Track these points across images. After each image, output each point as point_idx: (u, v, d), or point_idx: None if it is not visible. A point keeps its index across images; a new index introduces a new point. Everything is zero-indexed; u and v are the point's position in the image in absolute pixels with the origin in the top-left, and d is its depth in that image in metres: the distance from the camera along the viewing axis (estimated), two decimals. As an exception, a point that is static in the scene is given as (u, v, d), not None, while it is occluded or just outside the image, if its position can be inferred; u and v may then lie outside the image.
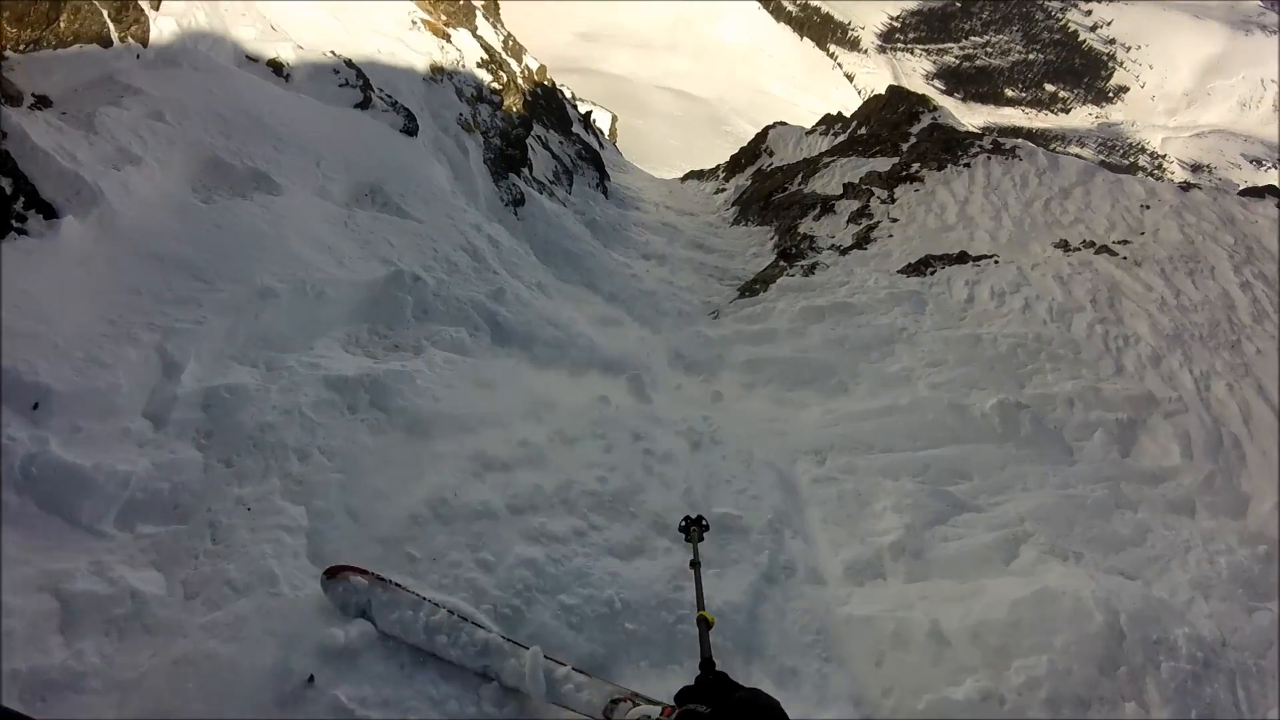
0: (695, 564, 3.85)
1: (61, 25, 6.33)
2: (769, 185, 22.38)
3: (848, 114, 31.72)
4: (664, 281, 12.56)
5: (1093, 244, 12.27)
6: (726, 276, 13.96)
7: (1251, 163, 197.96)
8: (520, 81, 19.81)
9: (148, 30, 7.15)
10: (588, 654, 3.94)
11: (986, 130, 26.07)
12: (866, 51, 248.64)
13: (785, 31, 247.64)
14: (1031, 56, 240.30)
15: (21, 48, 6.06)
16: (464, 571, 4.16)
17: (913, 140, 22.10)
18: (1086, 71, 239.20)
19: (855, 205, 15.95)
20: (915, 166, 17.53)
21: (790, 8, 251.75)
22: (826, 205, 16.58)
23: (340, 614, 3.66)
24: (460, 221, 8.82)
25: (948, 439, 7.26)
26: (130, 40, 7.01)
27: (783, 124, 33.76)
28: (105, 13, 6.79)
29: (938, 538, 5.81)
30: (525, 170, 13.52)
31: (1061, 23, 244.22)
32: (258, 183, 6.80)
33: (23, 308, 4.49)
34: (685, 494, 5.52)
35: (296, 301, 5.87)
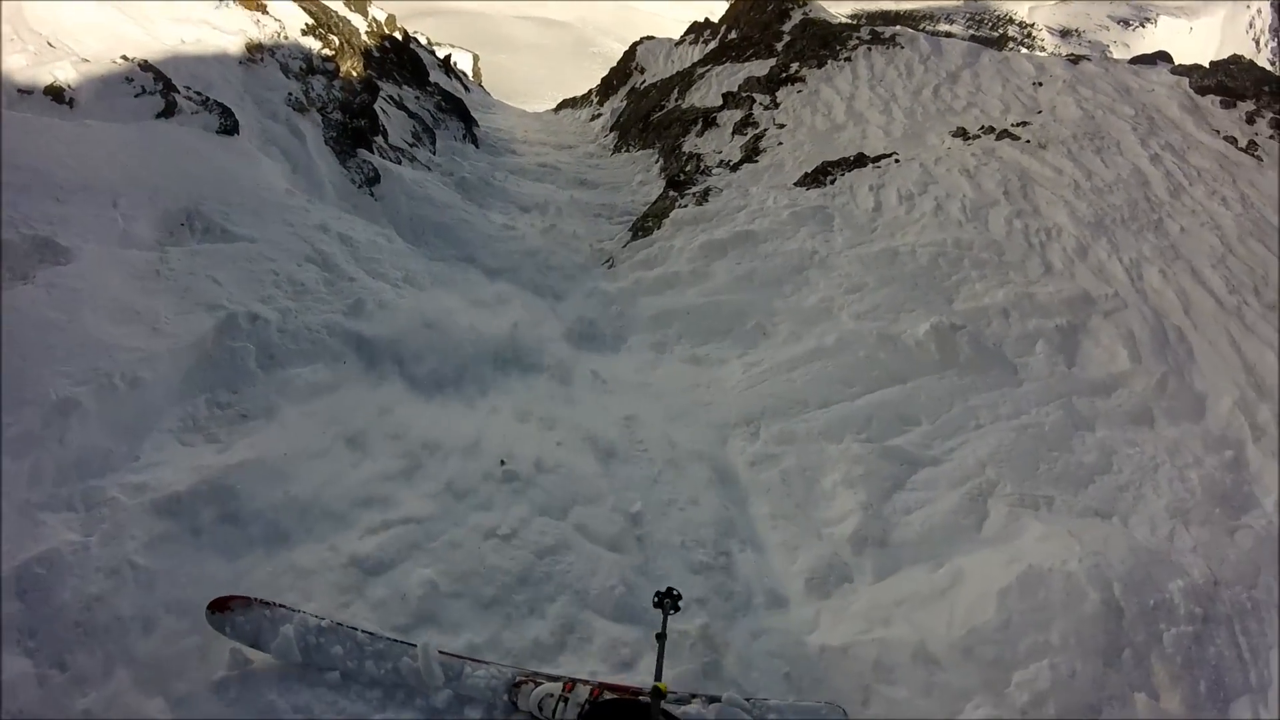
0: (661, 636, 3.54)
1: None
2: (645, 105, 21.48)
3: (716, 20, 30.90)
4: (549, 233, 11.38)
5: (991, 129, 11.81)
6: (616, 213, 12.95)
7: (1119, 23, 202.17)
8: (364, 38, 18.25)
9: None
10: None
11: (857, 18, 25.51)
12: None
13: None
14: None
15: None
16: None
17: (786, 39, 21.57)
18: None
19: (738, 115, 15.30)
20: (795, 67, 16.95)
21: None
22: (708, 119, 15.89)
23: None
24: (302, 226, 7.54)
25: (885, 378, 6.55)
26: None
27: (650, 38, 32.83)
28: None
29: (899, 510, 5.12)
30: (378, 140, 12.03)
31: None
32: (42, 253, 5.46)
33: None
34: (612, 545, 4.70)
35: (106, 402, 4.64)
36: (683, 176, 12.61)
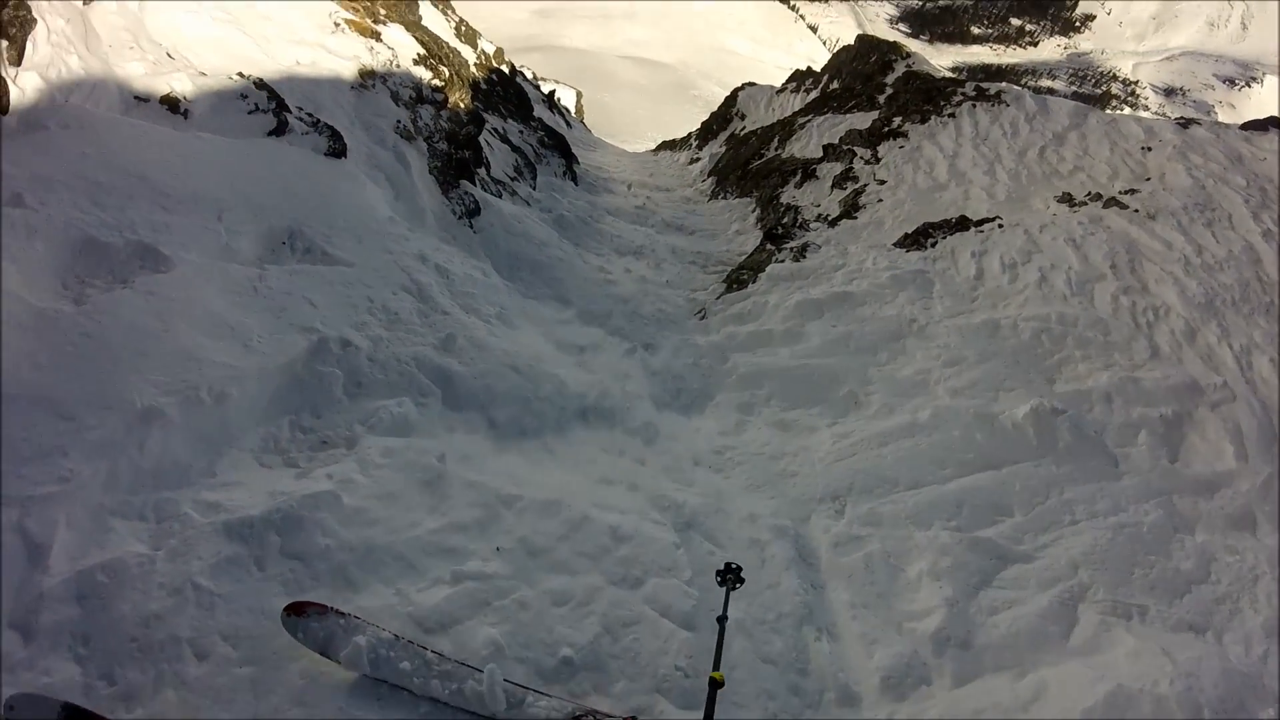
0: (722, 619, 3.72)
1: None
2: (745, 152, 21.51)
3: (817, 68, 30.90)
4: (643, 281, 11.40)
5: (1099, 196, 11.38)
6: (710, 262, 12.93)
7: (1224, 82, 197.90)
8: (472, 70, 18.68)
9: (5, 94, 5.81)
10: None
11: (959, 71, 25.24)
12: (828, 1, 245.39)
13: None
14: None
15: None
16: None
17: (889, 91, 21.36)
18: (1051, 2, 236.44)
19: (838, 168, 15.16)
20: (897, 121, 16.82)
21: None
22: (808, 170, 15.78)
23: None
24: (401, 254, 7.70)
25: (980, 462, 6.33)
26: (-20, 112, 5.80)
27: (752, 84, 33.07)
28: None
29: (985, 610, 4.91)
30: (480, 172, 12.28)
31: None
32: (143, 260, 5.65)
33: None
34: (685, 623, 4.55)
35: (190, 415, 4.75)
36: (780, 229, 12.51)
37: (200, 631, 3.64)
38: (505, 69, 25.93)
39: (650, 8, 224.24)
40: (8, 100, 5.82)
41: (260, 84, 8.61)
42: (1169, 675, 4.18)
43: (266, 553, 4.12)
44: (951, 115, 16.19)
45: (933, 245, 10.41)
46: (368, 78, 10.88)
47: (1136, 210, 10.58)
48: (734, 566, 4.18)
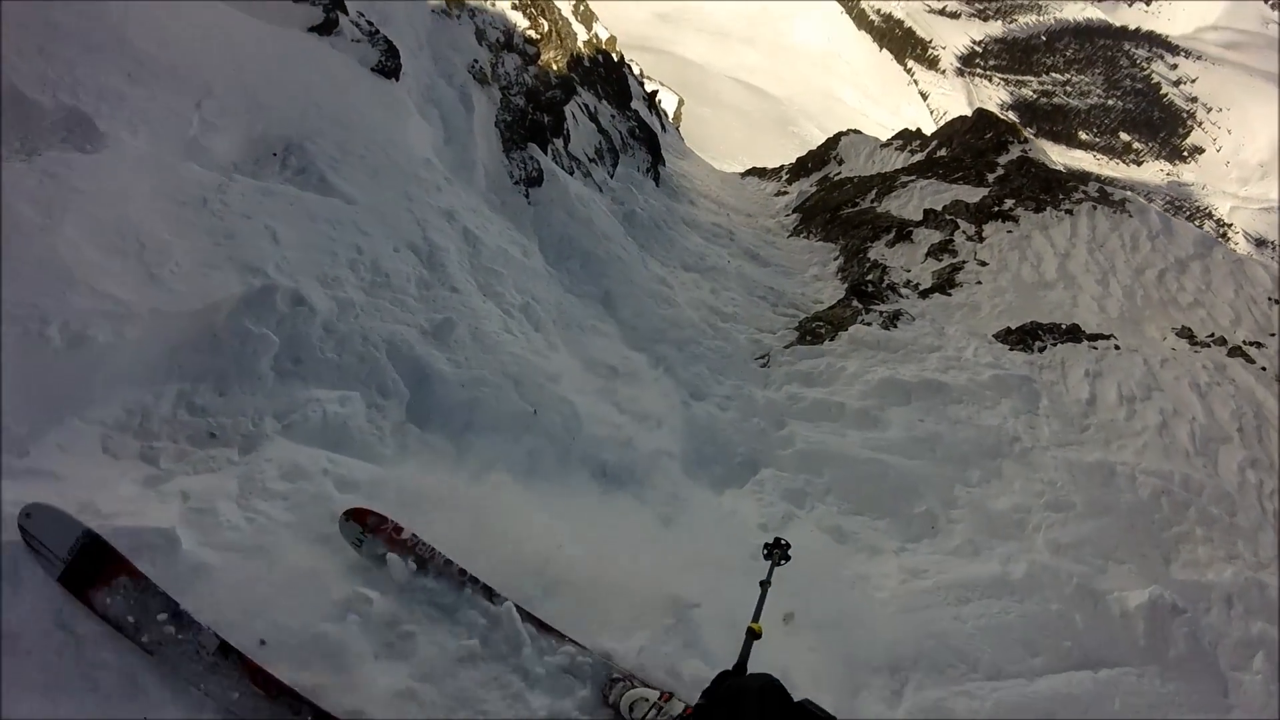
0: (765, 583, 3.65)
1: None
2: (838, 196, 20.83)
3: (917, 131, 29.94)
4: (705, 307, 9.96)
5: (1222, 340, 10.36)
6: (782, 302, 11.68)
7: None
8: (579, 46, 17.63)
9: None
10: None
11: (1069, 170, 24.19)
12: (944, 72, 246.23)
13: (865, 40, 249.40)
14: (1110, 102, 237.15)
15: None
16: None
17: (1000, 171, 20.69)
18: (1164, 126, 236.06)
19: (936, 237, 14.57)
20: (1009, 203, 15.96)
21: (873, 17, 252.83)
22: (903, 231, 15.14)
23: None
24: (424, 205, 6.21)
25: (1077, 654, 4.86)
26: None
27: (856, 132, 32.11)
28: None
29: None
30: (556, 142, 10.96)
31: (1145, 73, 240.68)
32: (70, 130, 4.20)
33: None
34: None
35: (23, 357, 3.24)
36: (870, 287, 11.34)
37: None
38: (615, 57, 24.96)
39: (770, 38, 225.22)
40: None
41: (321, -30, 7.27)
42: None
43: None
44: (1069, 211, 15.35)
45: (1040, 350, 9.14)
46: (454, 5, 9.63)
47: (1264, 368, 9.58)
48: (783, 542, 3.97)
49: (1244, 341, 10.38)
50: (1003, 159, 21.78)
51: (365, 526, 3.42)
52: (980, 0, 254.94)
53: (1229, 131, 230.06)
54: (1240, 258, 14.44)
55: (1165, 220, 15.37)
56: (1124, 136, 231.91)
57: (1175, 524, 6.36)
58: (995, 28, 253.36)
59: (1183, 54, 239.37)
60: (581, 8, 22.05)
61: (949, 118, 30.95)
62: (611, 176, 13.66)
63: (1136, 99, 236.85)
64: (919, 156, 26.36)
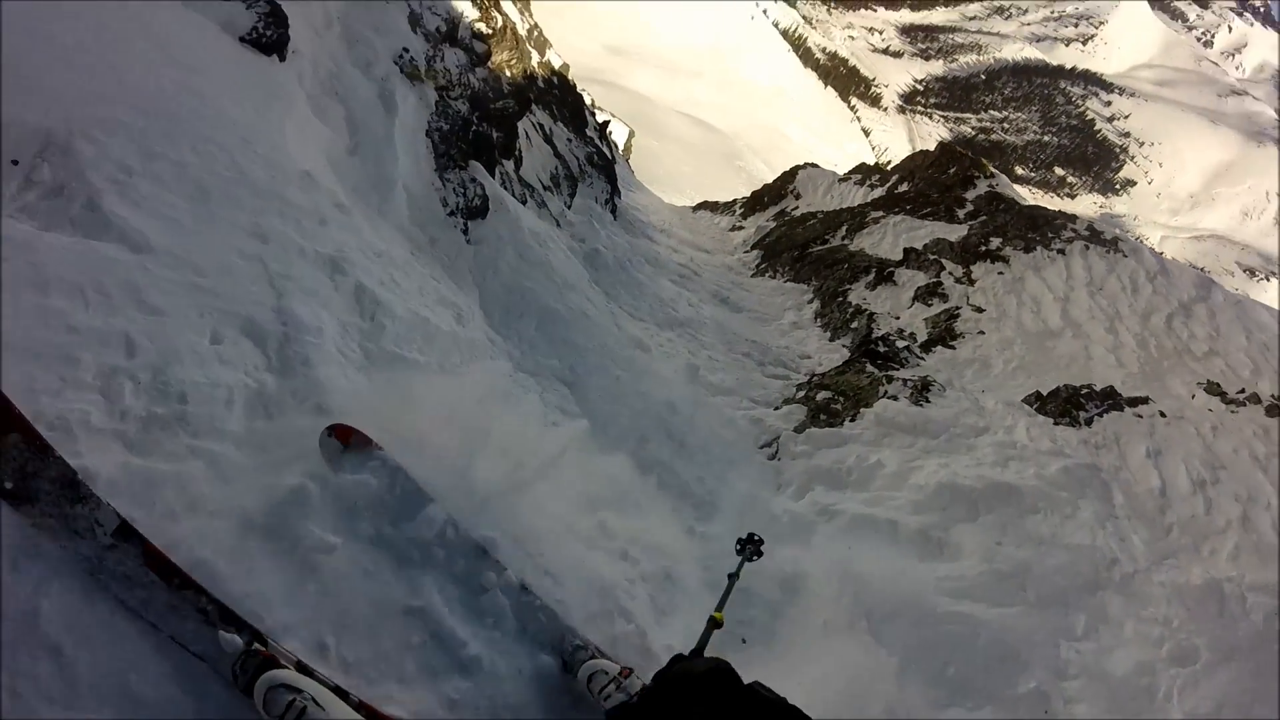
0: (733, 576, 3.51)
1: None
2: (803, 233, 20.09)
3: (876, 165, 29.51)
4: (693, 374, 8.19)
5: (1256, 398, 9.21)
6: (768, 359, 10.20)
7: (1245, 271, 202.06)
8: (534, 65, 16.20)
9: None
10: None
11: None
12: (886, 110, 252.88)
13: (810, 78, 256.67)
14: (1046, 138, 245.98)
15: None
16: None
17: (969, 207, 19.77)
18: (1097, 160, 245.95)
19: (922, 279, 13.69)
20: (996, 242, 15.01)
21: (819, 55, 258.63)
22: (884, 272, 14.23)
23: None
24: (286, 245, 4.05)
25: None
26: None
27: (814, 165, 31.08)
28: None
29: None
30: (506, 164, 9.19)
31: (1080, 109, 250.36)
32: None
33: None
34: None
35: None
36: (883, 347, 10.01)
37: None
38: (570, 81, 23.74)
39: (717, 74, 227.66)
40: None
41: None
42: None
43: None
44: (1060, 252, 14.37)
45: (1088, 423, 7.71)
46: (387, -18, 7.89)
47: (1307, 430, 8.63)
48: (756, 538, 3.78)
49: (1274, 396, 9.32)
50: (970, 194, 21.04)
51: None
52: (923, 41, 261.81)
53: (1160, 164, 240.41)
54: (1241, 299, 13.56)
55: (1160, 261, 14.45)
56: (1059, 171, 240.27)
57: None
58: (937, 67, 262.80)
59: (1117, 91, 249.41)
60: (536, 34, 20.87)
61: (890, 154, 30.55)
62: (569, 208, 12.08)
63: (1071, 135, 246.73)
64: (879, 191, 25.71)
